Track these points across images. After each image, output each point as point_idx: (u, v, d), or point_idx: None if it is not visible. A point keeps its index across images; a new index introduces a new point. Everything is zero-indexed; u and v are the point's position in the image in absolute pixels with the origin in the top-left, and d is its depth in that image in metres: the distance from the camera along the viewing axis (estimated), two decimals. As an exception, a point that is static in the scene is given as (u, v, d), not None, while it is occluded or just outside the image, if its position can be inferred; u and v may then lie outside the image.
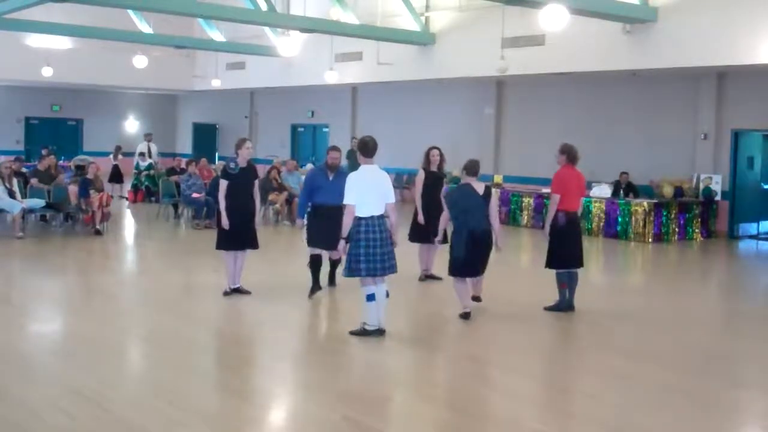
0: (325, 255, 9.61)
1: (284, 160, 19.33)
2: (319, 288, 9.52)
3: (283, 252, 13.52)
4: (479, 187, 8.60)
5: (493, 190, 9.13)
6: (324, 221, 9.10)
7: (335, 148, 9.69)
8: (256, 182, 9.57)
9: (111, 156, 23.00)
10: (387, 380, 6.77)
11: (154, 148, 22.78)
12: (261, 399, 6.23)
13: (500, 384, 6.62)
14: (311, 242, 9.51)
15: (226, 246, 9.37)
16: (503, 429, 5.57)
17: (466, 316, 8.59)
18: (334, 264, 9.80)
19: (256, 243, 9.51)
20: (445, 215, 8.92)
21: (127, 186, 21.80)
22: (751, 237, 16.94)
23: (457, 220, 8.56)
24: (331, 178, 9.33)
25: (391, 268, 7.68)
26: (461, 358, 7.44)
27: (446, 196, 9.21)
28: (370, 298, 7.62)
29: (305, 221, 9.78)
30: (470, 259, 8.50)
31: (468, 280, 8.77)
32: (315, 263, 9.54)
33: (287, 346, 7.76)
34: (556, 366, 7.36)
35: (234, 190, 9.25)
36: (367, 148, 7.67)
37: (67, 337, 7.97)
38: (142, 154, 21.77)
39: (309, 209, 9.64)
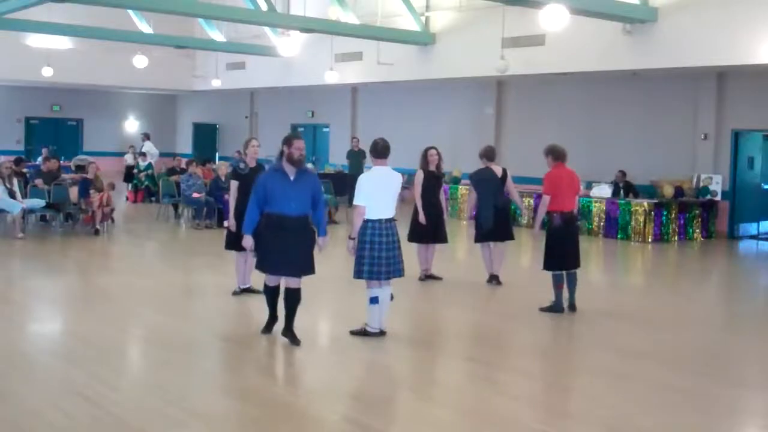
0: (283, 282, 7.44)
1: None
2: (275, 320, 7.68)
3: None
4: (497, 170, 10.45)
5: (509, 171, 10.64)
6: (284, 237, 7.13)
7: (297, 137, 7.34)
8: None
9: (126, 156, 23.13)
10: (387, 380, 6.77)
11: (145, 148, 22.81)
12: (261, 399, 6.22)
13: (500, 384, 6.62)
14: (265, 266, 7.35)
15: (235, 247, 9.32)
16: (503, 429, 5.57)
17: (491, 279, 10.53)
18: (292, 299, 7.32)
19: None
20: (472, 196, 10.77)
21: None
22: (752, 237, 16.95)
23: (481, 197, 10.43)
24: (293, 179, 7.19)
25: (397, 272, 7.62)
26: (461, 358, 7.44)
27: (470, 176, 10.84)
28: (373, 301, 7.60)
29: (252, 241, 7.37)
30: (492, 227, 10.37)
31: (489, 257, 10.59)
32: (269, 294, 7.57)
33: (287, 346, 7.75)
34: (556, 366, 7.36)
35: (244, 190, 9.16)
36: (376, 150, 7.61)
37: (67, 337, 7.97)
38: (143, 154, 21.81)
39: (264, 221, 7.27)
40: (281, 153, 7.22)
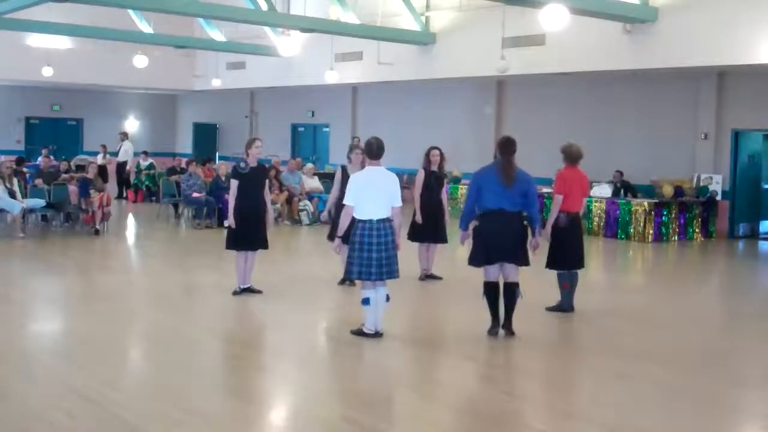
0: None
1: (285, 160, 19.36)
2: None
3: (283, 252, 13.51)
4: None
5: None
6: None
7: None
8: (267, 182, 9.54)
9: (98, 156, 22.66)
10: (387, 380, 6.77)
11: (124, 147, 22.67)
12: (261, 399, 6.23)
13: (500, 384, 6.62)
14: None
15: (236, 246, 9.32)
16: (503, 429, 5.57)
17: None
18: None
19: (266, 243, 9.41)
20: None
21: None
22: (751, 237, 16.94)
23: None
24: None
25: (390, 274, 7.54)
26: (461, 357, 7.44)
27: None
28: (366, 301, 7.57)
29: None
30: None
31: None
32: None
33: (287, 345, 7.76)
34: (557, 365, 7.35)
35: (244, 190, 9.18)
36: (371, 150, 7.57)
37: (67, 337, 7.97)
38: (145, 153, 21.77)
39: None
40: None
